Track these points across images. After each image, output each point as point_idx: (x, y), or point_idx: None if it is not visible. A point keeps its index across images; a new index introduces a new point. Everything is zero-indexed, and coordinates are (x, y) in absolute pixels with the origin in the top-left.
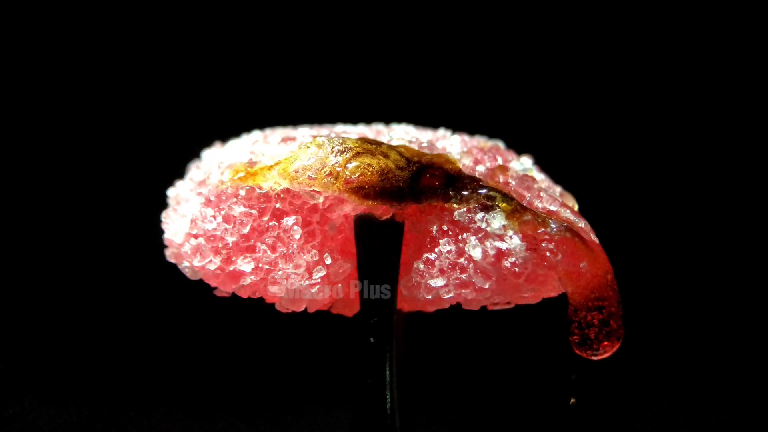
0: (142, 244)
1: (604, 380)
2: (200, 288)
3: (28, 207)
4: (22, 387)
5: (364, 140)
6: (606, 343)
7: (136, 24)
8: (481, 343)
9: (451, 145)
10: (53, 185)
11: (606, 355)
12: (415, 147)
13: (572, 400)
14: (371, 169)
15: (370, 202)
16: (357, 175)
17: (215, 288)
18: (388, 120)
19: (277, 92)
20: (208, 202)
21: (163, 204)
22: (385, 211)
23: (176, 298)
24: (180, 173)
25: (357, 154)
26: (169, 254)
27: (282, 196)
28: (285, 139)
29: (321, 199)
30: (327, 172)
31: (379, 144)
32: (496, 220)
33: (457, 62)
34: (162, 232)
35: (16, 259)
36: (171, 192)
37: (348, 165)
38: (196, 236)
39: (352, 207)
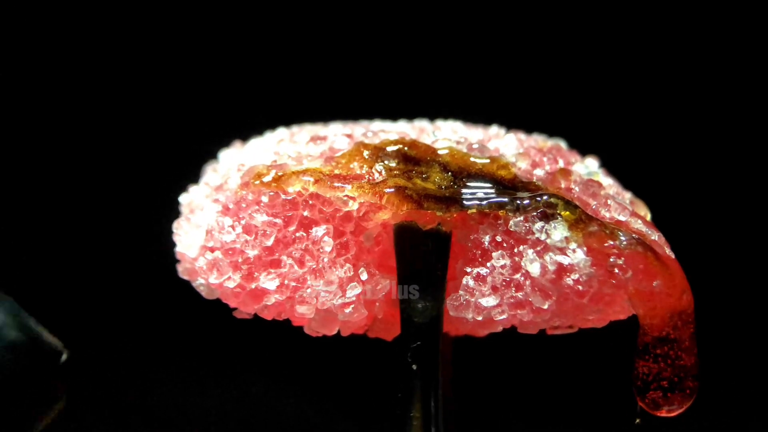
0: (150, 258)
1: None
2: (218, 308)
3: (24, 219)
4: None
5: (401, 154)
6: (676, 396)
7: (145, 13)
8: (539, 373)
9: (506, 145)
10: (51, 189)
11: (673, 414)
12: (463, 149)
13: (638, 421)
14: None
15: (412, 208)
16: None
17: (235, 309)
18: (432, 115)
19: (305, 84)
20: (226, 210)
21: (174, 212)
22: (430, 218)
23: (191, 320)
24: (194, 177)
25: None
26: (182, 270)
27: (311, 202)
28: (314, 139)
29: (355, 206)
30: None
31: (417, 162)
32: (558, 231)
33: (508, 49)
34: (173, 244)
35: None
36: (184, 199)
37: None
38: (212, 249)
39: (391, 214)
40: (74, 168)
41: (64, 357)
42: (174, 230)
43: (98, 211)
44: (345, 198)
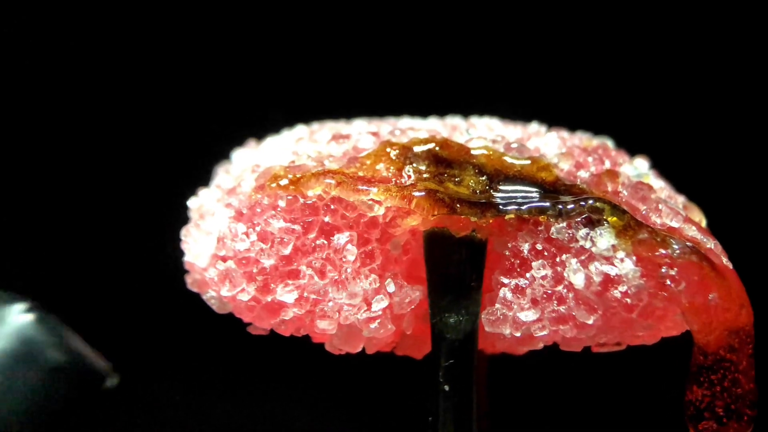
0: (156, 268)
1: None
2: (231, 323)
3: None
4: None
5: (431, 155)
6: (731, 425)
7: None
8: (583, 395)
9: (547, 144)
10: (49, 192)
11: None
12: (500, 149)
13: None
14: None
15: (443, 213)
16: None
17: (249, 324)
18: (466, 111)
19: (326, 77)
20: (239, 216)
21: (183, 218)
22: (464, 224)
23: (201, 336)
24: (204, 179)
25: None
26: (191, 281)
27: (332, 207)
28: (336, 137)
29: (382, 211)
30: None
31: (449, 164)
32: (604, 239)
33: (549, 38)
34: (181, 253)
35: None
36: (193, 203)
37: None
38: (224, 259)
39: (421, 220)
40: (71, 171)
41: (112, 382)
42: (182, 238)
43: (101, 216)
44: (370, 202)
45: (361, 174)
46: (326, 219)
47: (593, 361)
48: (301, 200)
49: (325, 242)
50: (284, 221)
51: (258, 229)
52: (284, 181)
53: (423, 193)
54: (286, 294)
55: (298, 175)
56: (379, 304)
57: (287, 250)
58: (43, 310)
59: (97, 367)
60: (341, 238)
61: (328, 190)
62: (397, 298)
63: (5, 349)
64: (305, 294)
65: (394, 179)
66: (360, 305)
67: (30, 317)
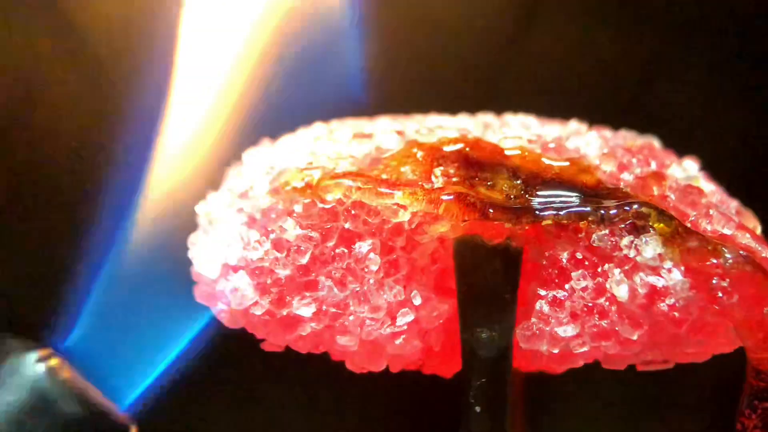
0: (162, 279)
1: None
2: (243, 339)
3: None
4: None
5: (461, 156)
6: None
7: None
8: (627, 417)
9: (587, 144)
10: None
11: None
12: (536, 149)
13: None
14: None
15: (475, 219)
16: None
17: (263, 340)
18: (499, 107)
19: (345, 69)
20: (252, 222)
21: (191, 225)
22: (497, 231)
23: (211, 351)
24: (214, 182)
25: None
26: (199, 293)
27: (353, 212)
28: (358, 136)
29: (407, 216)
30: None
31: (481, 166)
32: (650, 247)
33: (589, 27)
34: (188, 262)
35: None
36: (201, 208)
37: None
38: (235, 269)
39: (450, 226)
40: (70, 173)
41: None
42: (190, 246)
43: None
44: (394, 207)
45: (384, 176)
46: (347, 225)
47: (638, 380)
48: (320, 205)
49: (346, 251)
50: (301, 228)
51: (272, 236)
52: (301, 184)
53: (452, 197)
54: (303, 307)
55: (315, 178)
56: (405, 318)
57: (304, 260)
58: (59, 359)
59: (113, 419)
60: (363, 246)
61: (349, 194)
62: (424, 311)
63: (19, 401)
64: (324, 307)
65: (420, 182)
66: (383, 319)
67: (44, 367)
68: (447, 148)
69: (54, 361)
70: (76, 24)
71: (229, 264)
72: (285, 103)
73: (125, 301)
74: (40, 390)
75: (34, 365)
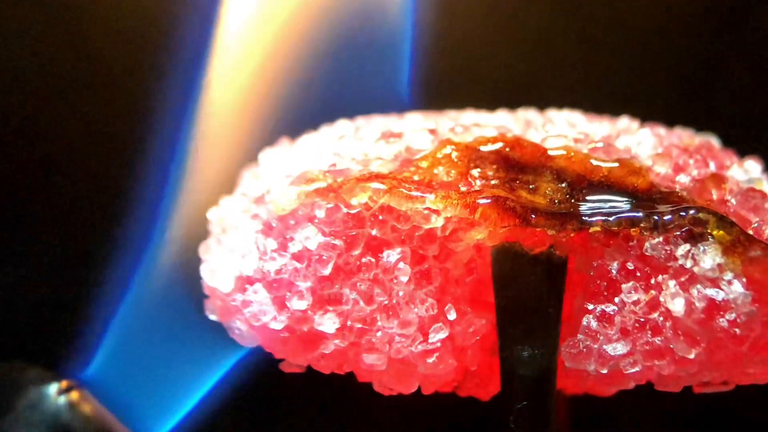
0: (192, 303)
1: None
2: (260, 359)
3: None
4: None
5: (501, 157)
6: None
7: None
8: None
9: (639, 143)
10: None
11: None
12: (583, 149)
13: None
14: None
15: (515, 225)
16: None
17: (282, 360)
18: (542, 103)
19: (371, 61)
20: (269, 229)
21: (202, 232)
22: (540, 239)
23: (224, 374)
24: (228, 186)
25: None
26: (211, 308)
27: (381, 218)
28: (386, 135)
29: (440, 222)
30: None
31: (522, 168)
32: (708, 257)
33: (643, 16)
34: (200, 275)
35: None
36: (213, 214)
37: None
38: (251, 281)
39: (487, 233)
40: (70, 175)
41: None
42: (201, 256)
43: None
44: (426, 211)
45: (416, 179)
46: (373, 232)
47: (695, 403)
48: (344, 210)
49: (373, 260)
50: (323, 235)
51: (292, 245)
52: (323, 186)
53: (490, 201)
54: (326, 322)
55: (339, 180)
56: (438, 335)
57: (327, 270)
58: (80, 391)
59: None
60: (392, 255)
61: (376, 198)
62: (460, 327)
63: None
64: (349, 322)
65: (455, 185)
66: (414, 336)
67: (65, 400)
68: (484, 148)
69: (75, 394)
70: (95, 20)
71: (243, 276)
72: (315, 100)
73: (151, 328)
74: (62, 426)
75: (54, 398)
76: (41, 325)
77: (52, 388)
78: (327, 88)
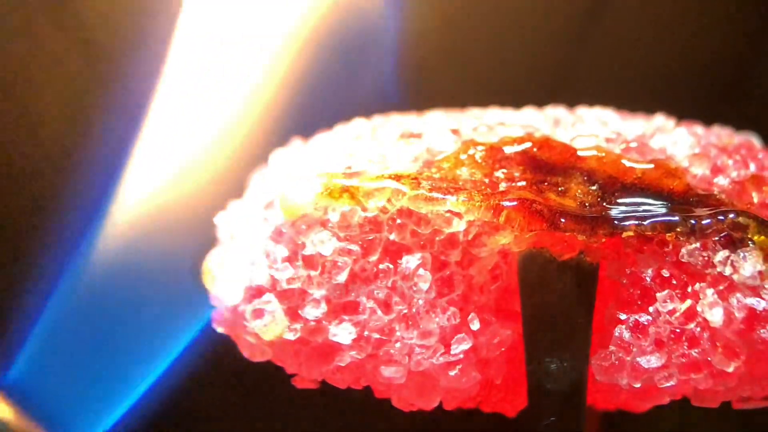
0: (129, 300)
1: None
2: (271, 375)
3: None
4: None
5: (527, 158)
6: None
7: None
8: None
9: (675, 142)
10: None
11: None
12: (615, 149)
13: None
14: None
15: (542, 230)
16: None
17: (294, 375)
18: (571, 100)
19: (388, 56)
20: (279, 235)
21: (208, 239)
22: (569, 244)
23: (231, 391)
24: (237, 190)
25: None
26: (219, 320)
27: (399, 221)
28: (406, 135)
29: (463, 225)
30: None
31: (551, 169)
32: (749, 263)
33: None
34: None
35: None
36: (220, 219)
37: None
38: (260, 291)
39: (513, 238)
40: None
41: None
42: (208, 264)
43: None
44: (447, 215)
45: (436, 177)
46: (392, 237)
47: (734, 420)
48: (360, 213)
49: (391, 266)
50: (338, 240)
51: (305, 251)
52: (336, 188)
53: (515, 203)
54: (341, 333)
55: (355, 182)
56: (461, 346)
57: (342, 277)
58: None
59: None
60: (411, 261)
61: (395, 200)
62: (484, 337)
63: None
64: (366, 333)
65: (478, 186)
66: (436, 347)
67: None
68: (510, 149)
69: None
70: (82, 15)
71: (254, 285)
72: (318, 99)
73: (81, 327)
74: None
75: None
76: None
77: None
78: (315, 88)
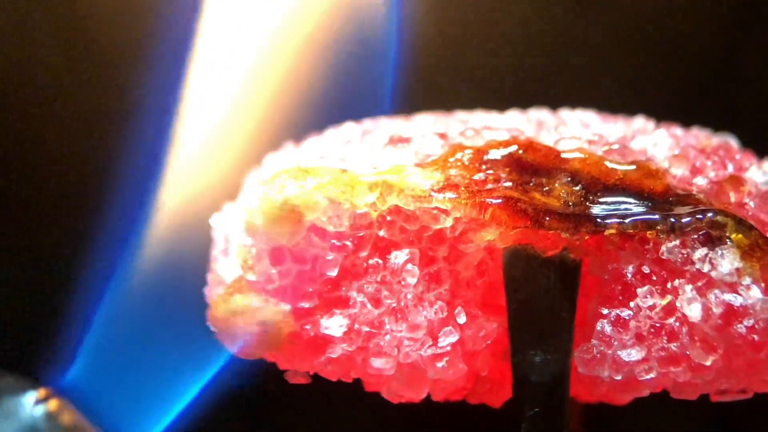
0: (175, 306)
1: None
2: (263, 369)
3: None
4: None
5: (513, 160)
6: None
7: None
8: None
9: (655, 144)
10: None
11: None
12: (598, 151)
13: None
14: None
15: (527, 227)
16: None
17: (286, 371)
18: (554, 103)
19: (377, 61)
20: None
21: (204, 239)
22: (553, 241)
23: (226, 388)
24: (231, 191)
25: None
26: (212, 318)
27: (388, 218)
28: (394, 140)
29: (450, 222)
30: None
31: (536, 170)
32: (726, 261)
33: (662, 14)
34: (203, 283)
35: None
36: (215, 220)
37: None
38: (254, 288)
39: (498, 234)
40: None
41: None
42: (206, 265)
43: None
44: (435, 212)
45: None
46: (381, 233)
47: (711, 412)
48: (351, 211)
49: (380, 262)
50: (330, 236)
51: (296, 248)
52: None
53: (500, 201)
54: (332, 325)
55: (345, 179)
56: (448, 339)
57: (333, 272)
58: (59, 400)
59: None
60: (400, 257)
61: (384, 197)
62: (470, 330)
63: None
64: (356, 326)
65: (464, 184)
66: (424, 339)
67: (43, 410)
68: (496, 152)
69: (53, 403)
70: (84, 21)
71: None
72: (315, 103)
73: (132, 332)
74: None
75: (31, 408)
76: (18, 331)
77: (29, 397)
78: (311, 93)
